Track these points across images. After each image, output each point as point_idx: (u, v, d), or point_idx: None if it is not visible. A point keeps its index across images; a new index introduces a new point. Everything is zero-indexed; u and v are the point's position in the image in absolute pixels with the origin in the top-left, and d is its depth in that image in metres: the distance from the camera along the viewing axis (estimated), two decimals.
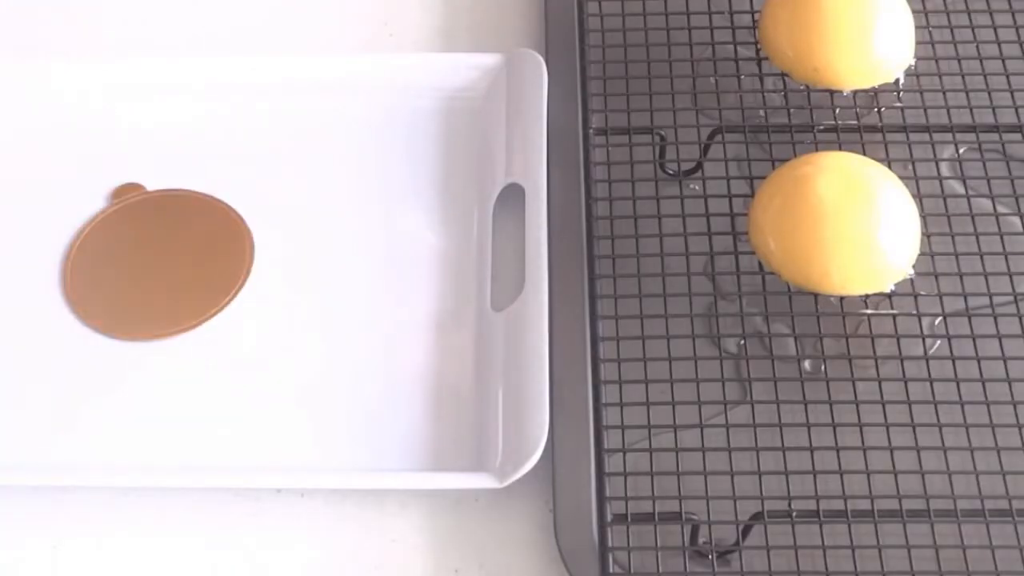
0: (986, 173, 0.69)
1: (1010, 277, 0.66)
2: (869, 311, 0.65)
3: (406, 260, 0.70)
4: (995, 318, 0.65)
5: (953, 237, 0.67)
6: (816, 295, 0.65)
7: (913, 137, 0.70)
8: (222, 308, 0.68)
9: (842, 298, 0.65)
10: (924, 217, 0.65)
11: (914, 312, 0.65)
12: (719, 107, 0.72)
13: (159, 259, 0.68)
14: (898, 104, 0.72)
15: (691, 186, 0.71)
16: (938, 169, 0.69)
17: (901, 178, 0.65)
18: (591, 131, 0.71)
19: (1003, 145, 0.71)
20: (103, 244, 0.68)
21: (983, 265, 0.66)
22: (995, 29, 0.74)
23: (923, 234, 0.65)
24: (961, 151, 0.71)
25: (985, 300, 0.66)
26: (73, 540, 0.63)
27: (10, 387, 0.66)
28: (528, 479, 0.61)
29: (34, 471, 0.64)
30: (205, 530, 0.63)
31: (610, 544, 0.60)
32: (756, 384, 0.64)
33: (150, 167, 0.72)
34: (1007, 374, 0.63)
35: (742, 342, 0.66)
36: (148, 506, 0.63)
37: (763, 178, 0.67)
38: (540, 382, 0.62)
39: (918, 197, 0.66)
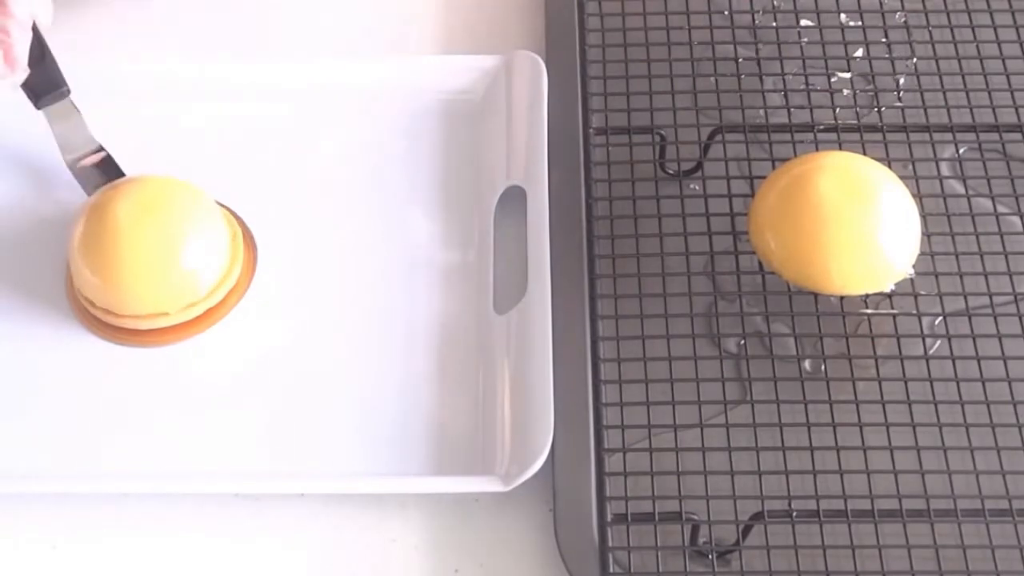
0: (986, 173, 0.70)
1: (1010, 277, 0.66)
2: (869, 311, 0.65)
3: (408, 264, 0.70)
4: (995, 318, 0.65)
5: (953, 237, 0.67)
6: (816, 295, 0.65)
7: (913, 137, 0.70)
8: (225, 313, 0.67)
9: (842, 298, 0.65)
10: (924, 217, 0.65)
11: (914, 312, 0.65)
12: (719, 107, 0.72)
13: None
14: (898, 104, 0.72)
15: (691, 186, 0.71)
16: (938, 169, 0.70)
17: (901, 178, 0.65)
18: (591, 131, 0.71)
19: (1003, 145, 0.71)
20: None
21: (983, 265, 0.66)
22: (995, 29, 0.74)
23: (923, 234, 0.65)
24: (961, 151, 0.71)
25: (985, 300, 0.66)
26: (73, 541, 0.63)
27: (13, 392, 0.66)
28: (528, 479, 0.61)
29: (35, 480, 0.64)
30: (206, 531, 0.63)
31: (610, 544, 0.60)
32: (756, 384, 0.64)
33: (151, 170, 0.72)
34: (1007, 374, 0.63)
35: (742, 342, 0.66)
36: (149, 507, 0.63)
37: (763, 178, 0.67)
38: (544, 385, 0.62)
39: (918, 197, 0.66)
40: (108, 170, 0.70)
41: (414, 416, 0.65)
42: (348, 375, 0.66)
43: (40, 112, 0.70)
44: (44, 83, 0.69)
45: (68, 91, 0.70)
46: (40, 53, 0.68)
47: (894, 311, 0.65)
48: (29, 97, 0.69)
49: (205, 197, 0.67)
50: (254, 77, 0.74)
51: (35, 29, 0.66)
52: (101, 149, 0.70)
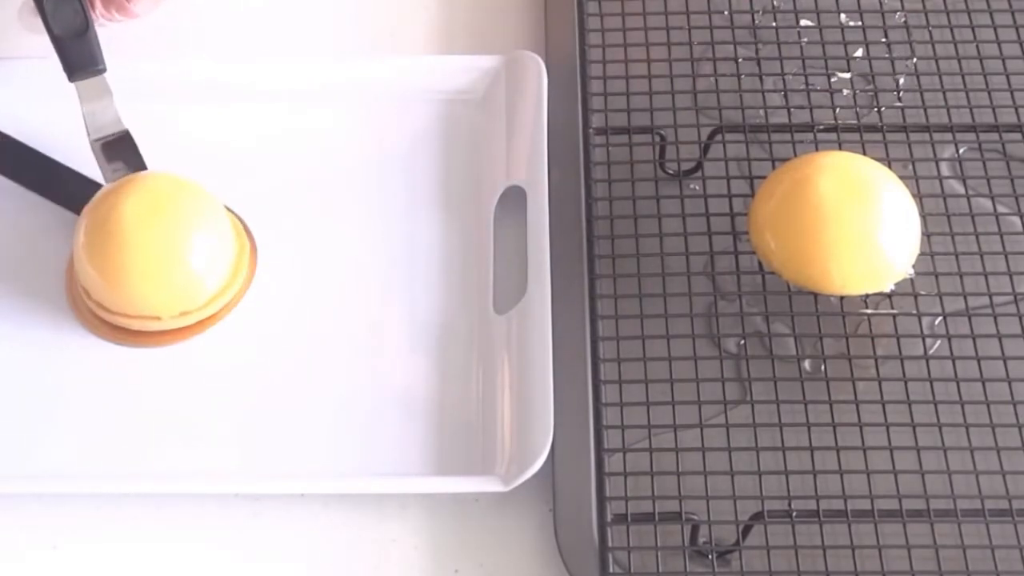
0: (986, 173, 0.69)
1: (1010, 277, 0.66)
2: (869, 311, 0.65)
3: (408, 264, 0.69)
4: (995, 318, 0.65)
5: (953, 237, 0.67)
6: (816, 295, 0.65)
7: (913, 137, 0.70)
8: (225, 313, 0.67)
9: (842, 298, 0.65)
10: (924, 217, 0.65)
11: (914, 312, 0.65)
12: (719, 107, 0.72)
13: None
14: (898, 104, 0.72)
15: (691, 186, 0.71)
16: (938, 169, 0.69)
17: (901, 178, 0.65)
18: (591, 131, 0.71)
19: (1003, 145, 0.71)
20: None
21: (983, 265, 0.66)
22: (995, 29, 0.74)
23: (923, 234, 0.65)
24: (961, 151, 0.71)
25: (985, 300, 0.66)
26: (73, 541, 0.63)
27: (14, 393, 0.66)
28: (528, 479, 0.61)
29: (35, 480, 0.64)
30: (206, 531, 0.63)
31: (610, 544, 0.60)
32: (756, 384, 0.64)
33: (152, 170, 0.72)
34: (1007, 374, 0.63)
35: (742, 342, 0.66)
36: (149, 508, 0.63)
37: (763, 178, 0.67)
38: (544, 385, 0.62)
39: (918, 197, 0.66)
40: (130, 155, 0.70)
41: (414, 416, 0.65)
42: (348, 375, 0.66)
43: (39, 111, 0.70)
44: (82, 57, 0.69)
45: (104, 69, 0.69)
46: (84, 26, 0.68)
47: (894, 311, 0.65)
48: (64, 69, 0.69)
49: (219, 206, 0.67)
50: (254, 77, 0.74)
51: (82, 3, 0.68)
52: (127, 134, 0.70)
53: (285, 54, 0.77)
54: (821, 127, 0.71)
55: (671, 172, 0.71)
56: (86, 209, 0.66)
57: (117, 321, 0.66)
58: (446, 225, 0.70)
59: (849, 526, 0.60)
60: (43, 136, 0.72)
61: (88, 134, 0.69)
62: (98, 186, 0.68)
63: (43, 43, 0.69)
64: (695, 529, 0.60)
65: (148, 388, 0.66)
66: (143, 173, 0.68)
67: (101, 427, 0.65)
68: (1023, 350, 0.64)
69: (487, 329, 0.67)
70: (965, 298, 0.66)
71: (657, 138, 0.71)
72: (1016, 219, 0.68)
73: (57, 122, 0.72)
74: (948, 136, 0.71)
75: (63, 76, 0.69)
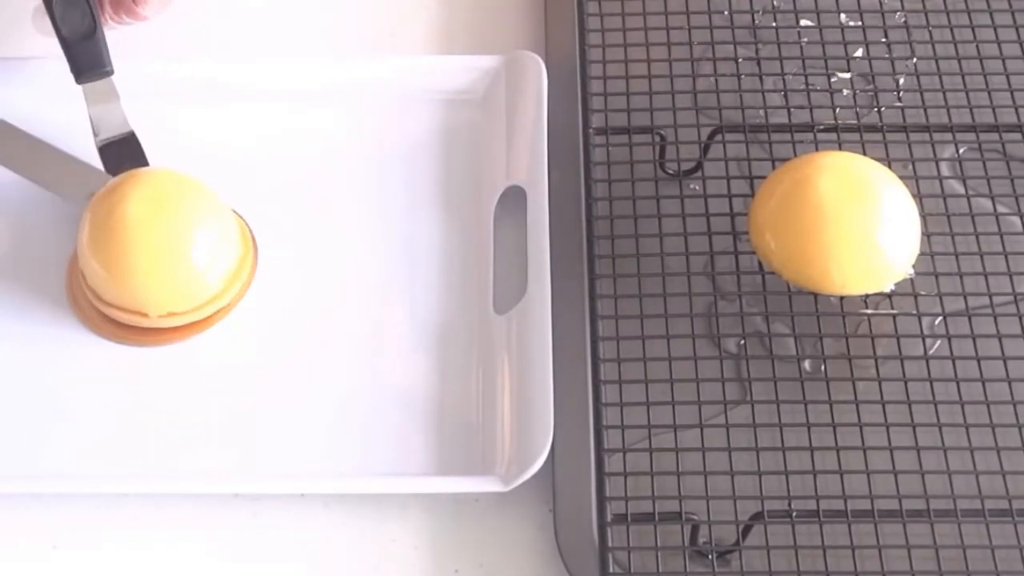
0: (986, 173, 0.70)
1: (1010, 277, 0.66)
2: (869, 311, 0.65)
3: (408, 264, 0.70)
4: (995, 318, 0.65)
5: (953, 237, 0.67)
6: (816, 295, 0.65)
7: (913, 137, 0.70)
8: (225, 313, 0.67)
9: (842, 298, 0.65)
10: (924, 217, 0.65)
11: (914, 312, 0.65)
12: (719, 107, 0.72)
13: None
14: (898, 104, 0.72)
15: (691, 186, 0.71)
16: (938, 169, 0.69)
17: (901, 178, 0.65)
18: (591, 131, 0.71)
19: (1003, 145, 0.71)
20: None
21: (983, 265, 0.66)
22: (995, 29, 0.74)
23: (923, 234, 0.65)
24: (961, 151, 0.71)
25: (985, 300, 0.66)
26: (73, 541, 0.63)
27: (13, 392, 0.66)
28: (528, 479, 0.61)
29: (35, 480, 0.64)
30: (206, 531, 0.63)
31: (610, 544, 0.60)
32: (756, 384, 0.64)
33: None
34: (1007, 374, 0.63)
35: (742, 342, 0.66)
36: (149, 508, 0.63)
37: (763, 178, 0.67)
38: (544, 385, 0.62)
39: (918, 197, 0.66)
40: (135, 158, 0.70)
41: (414, 416, 0.65)
42: (348, 375, 0.66)
43: (38, 110, 0.70)
44: (89, 59, 0.69)
45: (111, 71, 0.70)
46: (91, 28, 0.69)
47: (894, 311, 0.65)
48: (72, 71, 0.69)
49: (222, 206, 0.67)
50: (254, 77, 0.74)
51: (90, 5, 0.68)
52: (133, 136, 0.70)
53: (285, 54, 0.77)
54: (821, 127, 0.71)
55: (671, 172, 0.71)
56: (92, 201, 0.66)
57: (113, 315, 0.66)
58: (446, 225, 0.70)
59: (849, 526, 0.60)
60: (51, 136, 0.72)
61: (94, 135, 0.70)
62: (107, 177, 0.69)
63: (55, 45, 0.69)
64: (695, 529, 0.60)
65: (148, 388, 0.66)
66: (151, 168, 0.68)
67: (101, 427, 0.65)
68: (1023, 350, 0.64)
69: (487, 329, 0.67)
70: (965, 298, 0.66)
71: (657, 138, 0.71)
72: (1016, 219, 0.69)
73: (65, 122, 0.72)
74: (948, 136, 0.71)
75: (71, 77, 0.69)
